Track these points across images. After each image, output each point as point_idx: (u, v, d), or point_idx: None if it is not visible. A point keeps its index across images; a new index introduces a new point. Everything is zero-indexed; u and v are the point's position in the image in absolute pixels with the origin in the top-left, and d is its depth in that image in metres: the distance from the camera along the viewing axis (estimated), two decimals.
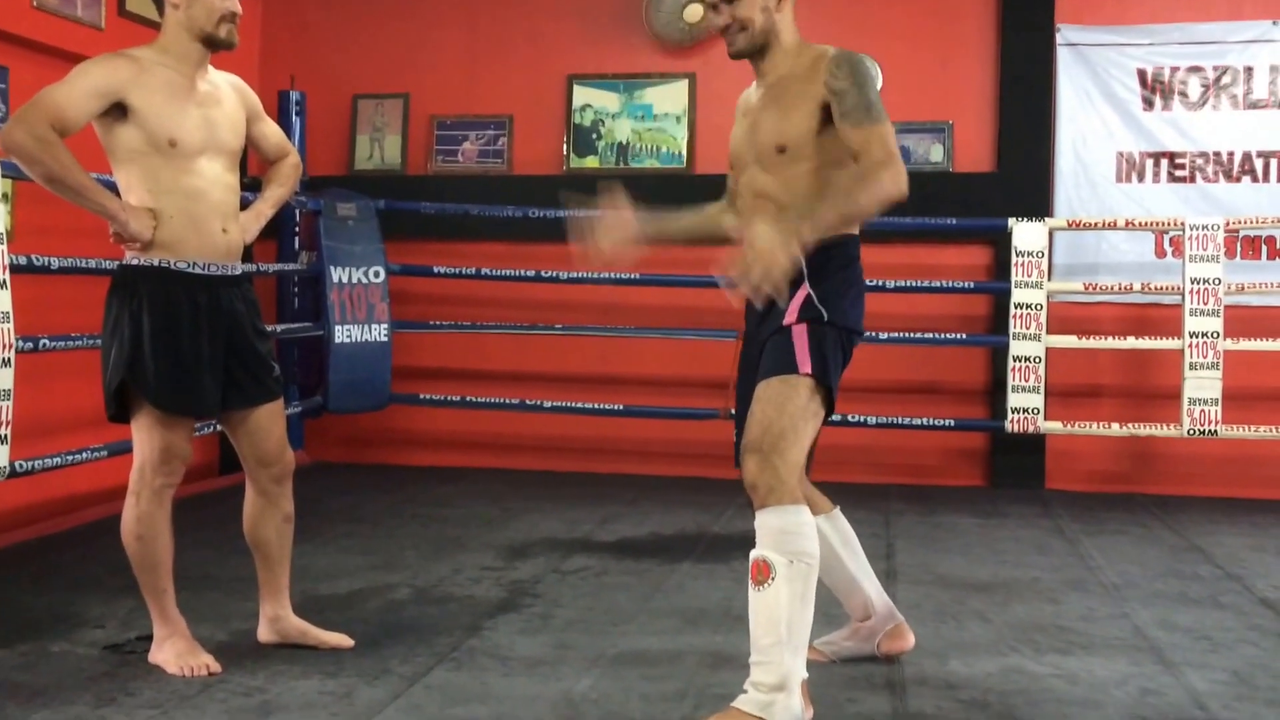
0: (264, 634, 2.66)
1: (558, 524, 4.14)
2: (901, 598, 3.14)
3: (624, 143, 5.43)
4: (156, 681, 2.41)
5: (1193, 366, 4.58)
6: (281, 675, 2.46)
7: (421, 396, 5.30)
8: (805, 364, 2.23)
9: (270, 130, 2.72)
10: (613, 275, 5.09)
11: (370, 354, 4.99)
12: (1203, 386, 4.57)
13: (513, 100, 5.50)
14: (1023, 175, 5.11)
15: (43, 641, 2.67)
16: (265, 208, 2.70)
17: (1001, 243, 4.93)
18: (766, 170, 2.34)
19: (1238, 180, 5.03)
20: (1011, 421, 4.72)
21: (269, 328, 3.28)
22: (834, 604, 2.69)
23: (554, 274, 5.12)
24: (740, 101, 2.53)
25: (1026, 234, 4.73)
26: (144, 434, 2.45)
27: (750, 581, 2.15)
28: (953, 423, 4.94)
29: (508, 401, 5.22)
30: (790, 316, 2.27)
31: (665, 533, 4.06)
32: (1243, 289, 4.70)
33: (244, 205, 2.66)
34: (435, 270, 5.26)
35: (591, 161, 5.46)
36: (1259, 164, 5.03)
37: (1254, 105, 5.03)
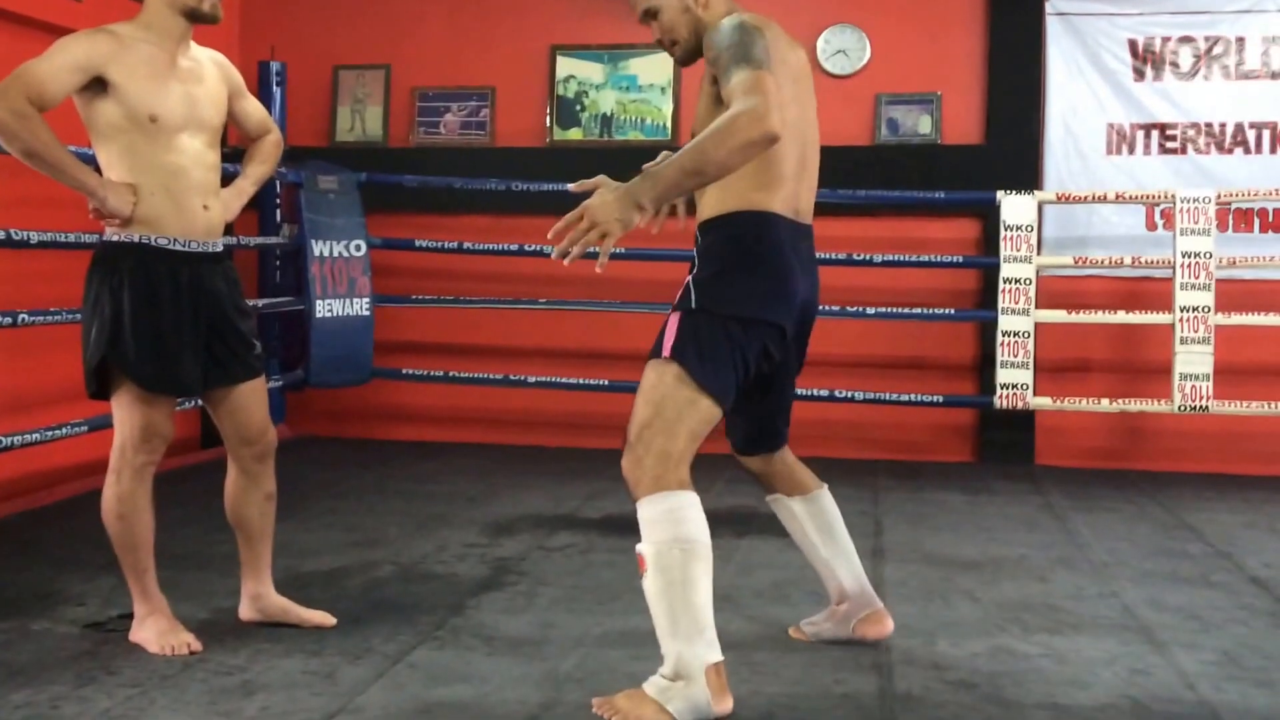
0: (245, 612, 2.67)
1: (543, 500, 4.15)
2: (889, 576, 3.17)
3: (608, 114, 5.41)
4: (137, 660, 2.42)
5: (1184, 341, 4.60)
6: (263, 654, 2.47)
7: (404, 371, 5.29)
8: (666, 348, 2.19)
9: (252, 107, 2.71)
10: (596, 250, 5.07)
11: (352, 328, 4.98)
12: (1194, 361, 4.58)
13: (495, 71, 5.47)
14: (1012, 147, 5.11)
15: (23, 619, 2.67)
16: (247, 185, 2.69)
17: (990, 216, 4.94)
18: None
19: (1230, 152, 5.05)
20: (1000, 397, 4.73)
21: (250, 302, 3.26)
22: (820, 583, 2.71)
23: (538, 248, 5.11)
24: None
25: (1015, 207, 4.73)
26: (124, 411, 2.45)
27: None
28: (941, 398, 4.96)
29: (492, 376, 5.22)
30: (675, 301, 2.26)
31: None
32: (1234, 263, 4.71)
33: (226, 181, 2.64)
34: (418, 244, 5.24)
35: (575, 134, 5.43)
36: (1251, 135, 5.04)
37: (1246, 76, 5.04)
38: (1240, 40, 5.02)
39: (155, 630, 2.47)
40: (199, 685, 2.29)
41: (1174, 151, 5.08)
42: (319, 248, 4.91)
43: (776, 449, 2.55)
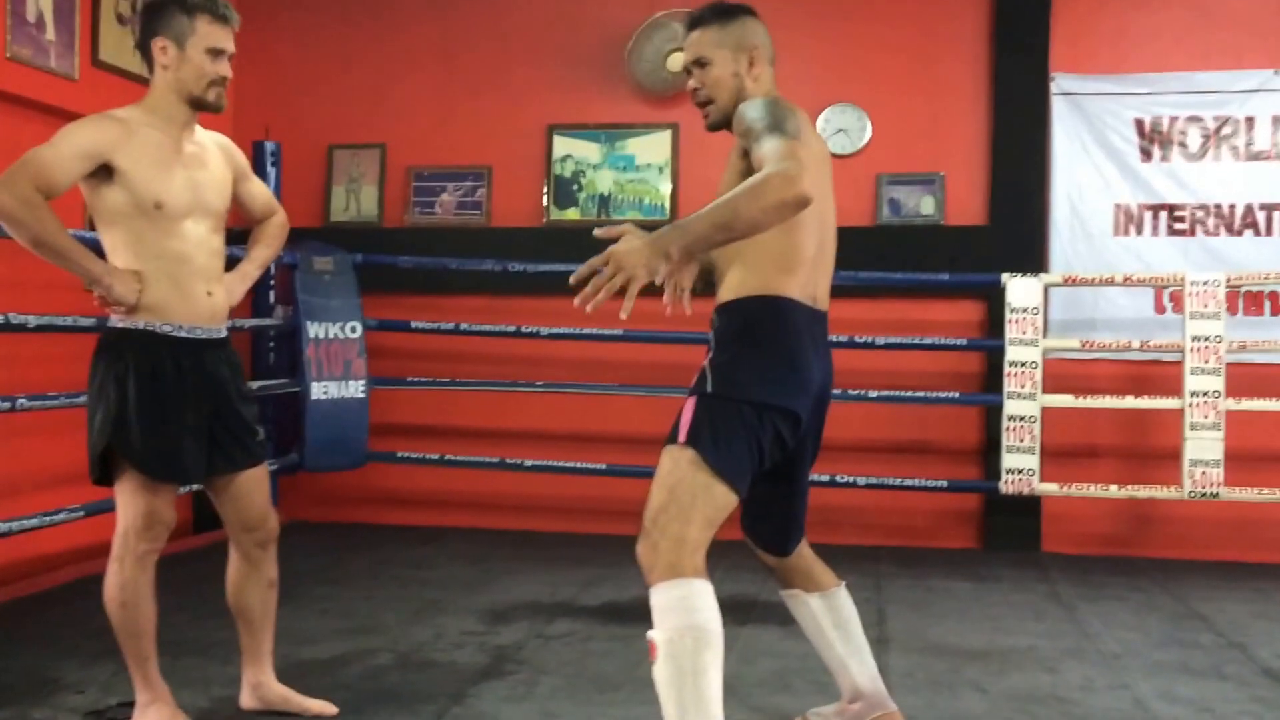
0: (246, 700, 2.81)
1: (540, 586, 4.30)
2: (894, 666, 3.29)
3: (605, 194, 5.65)
4: None
5: (1193, 426, 4.72)
6: None
7: (399, 454, 5.46)
8: (683, 434, 2.29)
9: (257, 189, 2.89)
10: (595, 331, 5.30)
11: (347, 411, 5.15)
12: (1204, 447, 4.70)
13: (491, 151, 5.71)
14: (1017, 228, 5.30)
15: (23, 707, 2.82)
16: (251, 269, 2.87)
17: (995, 298, 5.11)
18: None
19: (1239, 234, 5.22)
20: (1006, 482, 4.87)
21: None
22: (825, 671, 2.84)
23: (534, 329, 5.31)
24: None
25: (1021, 289, 4.90)
26: (128, 499, 2.59)
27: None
28: (945, 484, 5.11)
29: (487, 460, 5.38)
30: (692, 386, 2.38)
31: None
32: (1244, 346, 4.83)
33: (229, 265, 2.81)
34: (413, 325, 5.43)
35: (572, 213, 5.67)
36: (1261, 217, 5.22)
37: (1255, 156, 5.22)
38: (1250, 120, 5.23)
39: (158, 718, 2.62)
40: None
41: (1183, 233, 5.25)
42: (314, 329, 5.12)
43: (797, 544, 2.66)
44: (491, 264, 5.31)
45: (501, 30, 5.76)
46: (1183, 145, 5.29)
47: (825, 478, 5.02)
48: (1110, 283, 5.02)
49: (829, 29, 5.53)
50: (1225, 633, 3.81)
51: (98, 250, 2.62)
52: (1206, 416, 4.74)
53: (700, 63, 2.48)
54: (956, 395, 5.19)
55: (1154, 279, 4.99)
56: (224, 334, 2.75)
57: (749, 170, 2.26)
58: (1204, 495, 4.73)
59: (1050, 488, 4.90)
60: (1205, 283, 4.81)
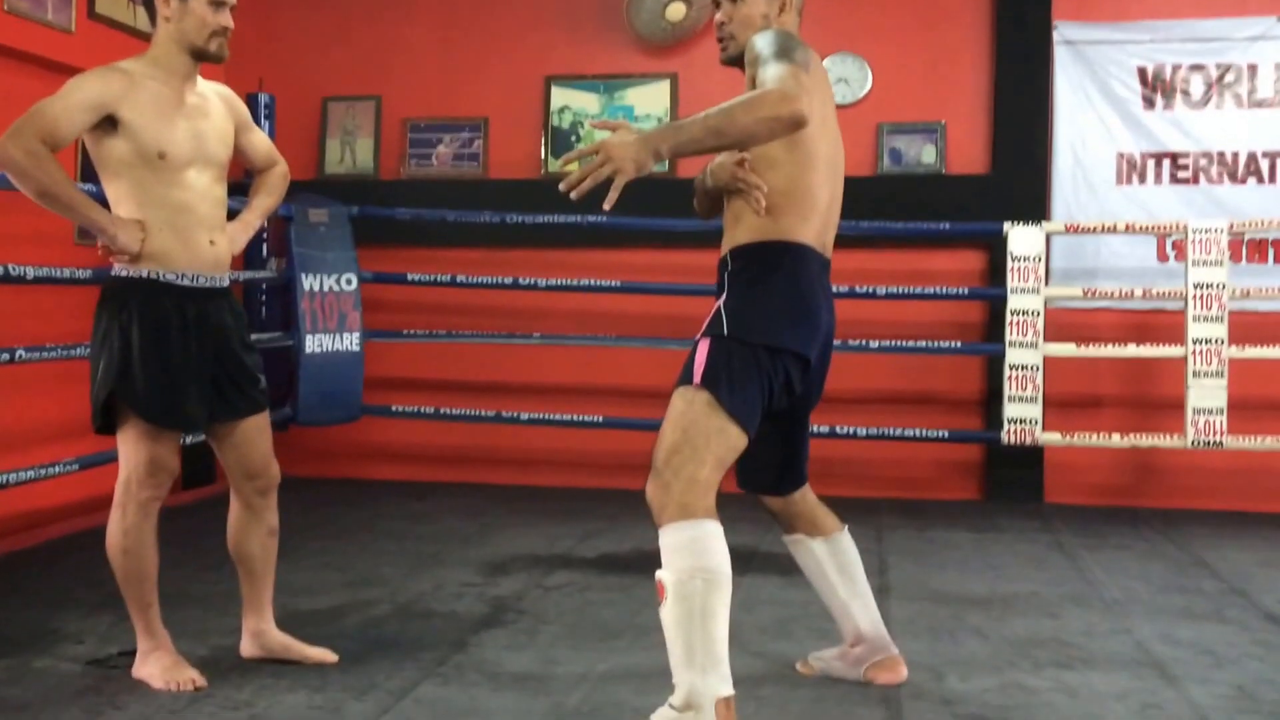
0: (247, 649, 2.83)
1: (538, 540, 4.31)
2: (895, 614, 3.30)
3: None
4: (142, 696, 2.57)
5: (1196, 375, 4.74)
6: (268, 689, 2.62)
7: (394, 408, 5.46)
8: (697, 375, 2.31)
9: (258, 140, 2.90)
10: (593, 282, 5.27)
11: (342, 364, 5.14)
12: (1207, 395, 4.72)
13: (488, 102, 5.67)
14: (1018, 177, 5.29)
15: (24, 657, 2.83)
16: (253, 218, 2.88)
17: (997, 247, 5.11)
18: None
19: (1243, 181, 5.22)
20: (1008, 433, 4.89)
21: None
22: (827, 618, 2.86)
23: (532, 281, 5.29)
24: None
25: (1022, 238, 4.90)
26: (131, 446, 2.61)
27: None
28: (947, 434, 5.12)
29: (484, 413, 5.38)
30: (703, 327, 2.39)
31: (649, 548, 4.17)
32: (1248, 294, 4.84)
33: (231, 215, 2.82)
34: (409, 278, 5.42)
35: (570, 165, 5.61)
36: (1264, 164, 5.21)
37: (1259, 104, 5.20)
38: (1253, 68, 5.21)
39: (160, 666, 2.63)
40: (206, 719, 2.45)
41: (1185, 181, 5.26)
42: (309, 282, 5.09)
43: (800, 486, 2.69)
44: (489, 216, 5.28)
45: None
46: (1185, 93, 5.28)
47: (826, 429, 5.03)
48: (1113, 231, 5.03)
49: None
50: (1228, 579, 3.83)
51: (101, 201, 2.65)
52: (1210, 364, 4.76)
53: None
54: (958, 345, 5.20)
55: (1156, 227, 5.00)
56: (227, 283, 2.76)
57: None
58: (1207, 444, 4.75)
59: (1053, 437, 4.92)
60: (1208, 230, 4.81)
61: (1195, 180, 5.26)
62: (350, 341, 5.18)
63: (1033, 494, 5.27)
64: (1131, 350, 4.97)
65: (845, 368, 5.29)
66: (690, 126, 2.12)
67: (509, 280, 5.33)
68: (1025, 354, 4.87)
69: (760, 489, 2.70)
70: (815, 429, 4.98)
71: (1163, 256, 5.27)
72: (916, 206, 5.22)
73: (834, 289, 2.55)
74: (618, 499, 5.12)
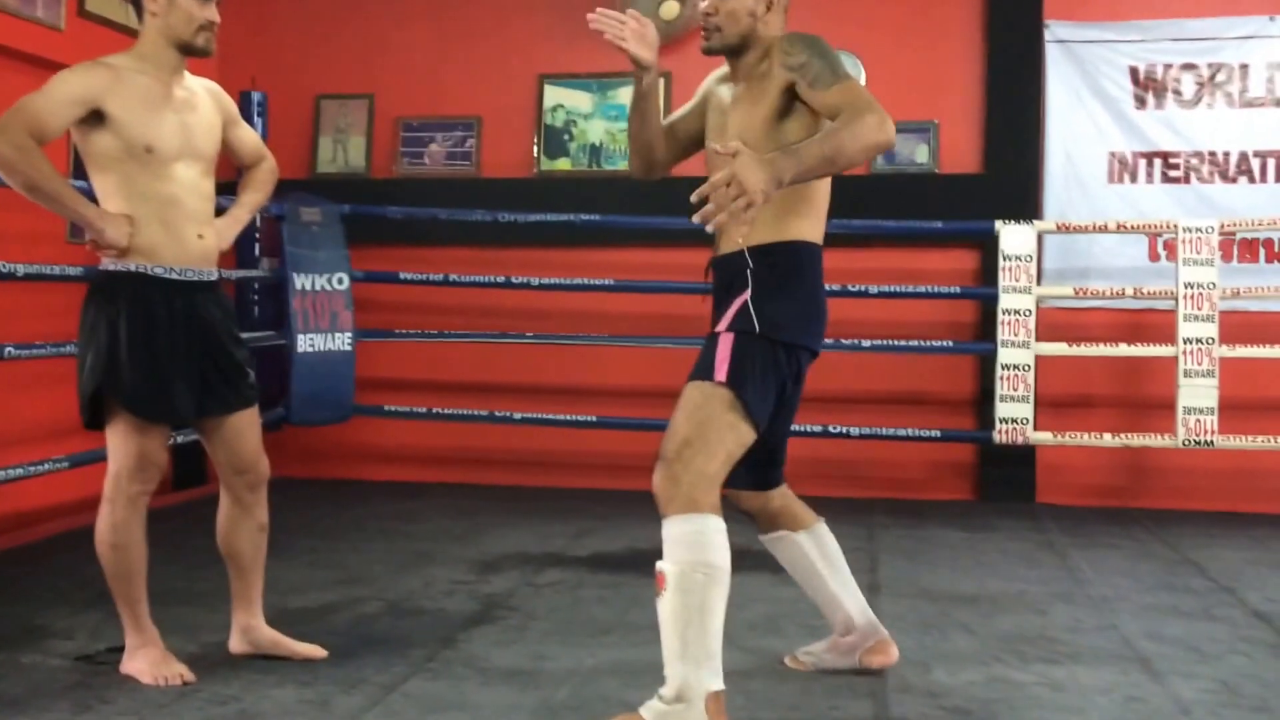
0: (236, 644, 2.84)
1: (529, 538, 4.33)
2: (885, 610, 3.30)
3: (597, 144, 5.63)
4: (131, 691, 2.59)
5: (1187, 374, 4.75)
6: (256, 684, 2.64)
7: (386, 408, 5.47)
8: (721, 373, 2.34)
9: (246, 135, 2.91)
10: (585, 281, 5.29)
11: (334, 364, 5.15)
12: (1198, 395, 4.73)
13: (481, 101, 5.68)
14: (1010, 176, 5.30)
15: (12, 653, 2.85)
16: (241, 213, 2.89)
17: (989, 246, 5.12)
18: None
19: (1234, 181, 5.23)
20: (1000, 432, 4.90)
21: None
22: (816, 614, 2.89)
23: (524, 280, 5.31)
24: (706, 89, 2.67)
25: (1014, 237, 4.92)
26: (119, 441, 2.62)
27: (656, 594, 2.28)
28: (939, 434, 5.13)
29: (476, 413, 5.39)
30: (724, 323, 2.42)
31: (641, 546, 4.25)
32: (1238, 293, 4.86)
33: (219, 211, 2.84)
34: (401, 277, 5.42)
35: (563, 164, 5.65)
36: (1255, 164, 5.23)
37: (1250, 104, 5.22)
38: (1244, 67, 5.22)
39: (148, 661, 2.64)
40: (194, 714, 2.46)
41: (1177, 180, 5.27)
42: (300, 281, 5.10)
43: (780, 481, 2.72)
44: (481, 215, 5.29)
45: None
46: (1177, 93, 5.29)
47: (819, 428, 5.04)
48: (1104, 230, 5.05)
49: None
50: (1217, 578, 3.85)
51: (89, 196, 2.66)
52: (1200, 364, 4.77)
53: None
54: (950, 344, 5.22)
55: (1147, 226, 5.01)
56: (215, 277, 2.78)
57: (783, 104, 2.38)
58: (1198, 443, 4.77)
59: (1044, 437, 4.93)
60: (1199, 230, 4.83)
61: (1186, 180, 5.27)
62: (342, 341, 5.19)
63: (1025, 494, 5.28)
64: (1123, 350, 4.99)
65: (838, 367, 5.32)
66: (806, 156, 2.17)
67: (501, 279, 5.34)
68: (1017, 353, 4.88)
69: (743, 485, 2.71)
70: (808, 428, 5.01)
71: (1154, 256, 5.28)
72: (909, 205, 5.23)
73: (827, 287, 2.60)
74: (611, 498, 5.14)
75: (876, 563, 4.01)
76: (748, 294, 2.42)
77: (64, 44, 4.59)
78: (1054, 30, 5.35)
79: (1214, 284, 4.79)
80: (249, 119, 5.36)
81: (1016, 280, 4.91)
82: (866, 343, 5.08)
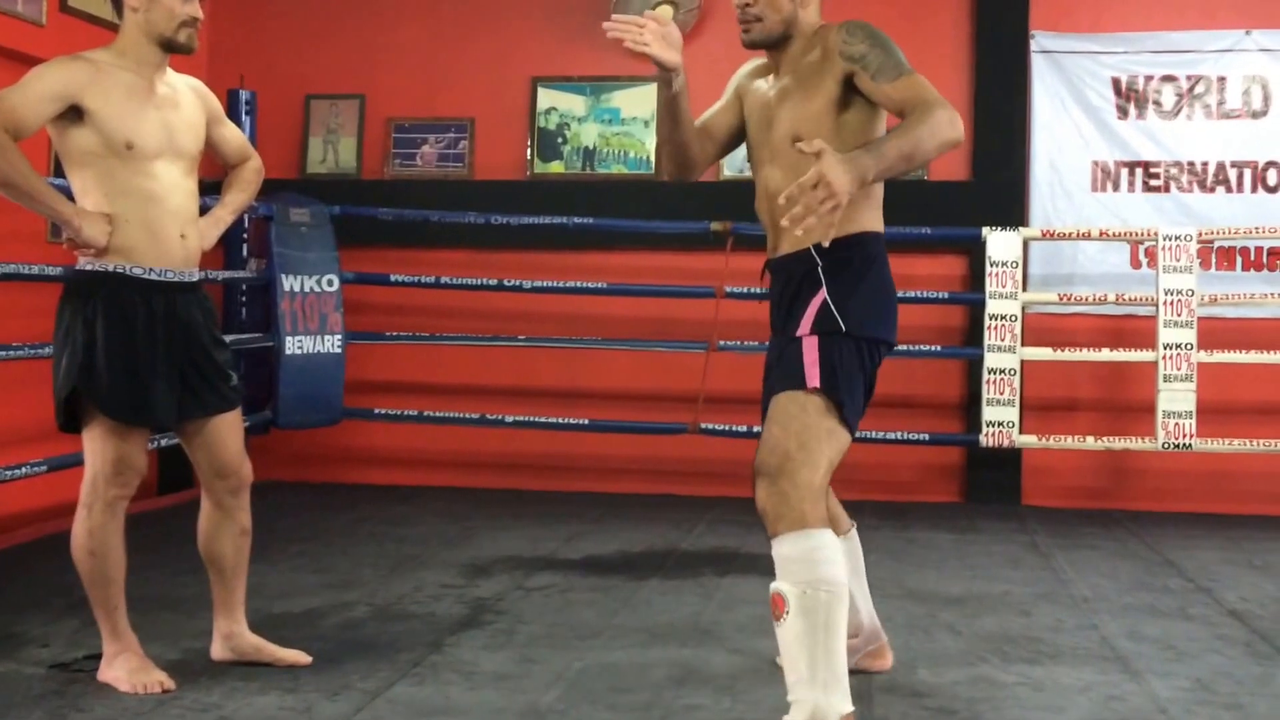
0: (218, 651, 2.72)
1: (521, 542, 4.22)
2: None
3: (590, 147, 5.54)
4: (108, 699, 2.47)
5: (1167, 379, 4.73)
6: (238, 691, 2.52)
7: (376, 411, 5.36)
8: (814, 378, 2.21)
9: (231, 134, 2.80)
10: (578, 284, 5.20)
11: (322, 366, 5.03)
12: (1177, 399, 4.72)
13: (474, 103, 5.59)
14: (997, 184, 5.26)
15: None
16: (225, 213, 2.77)
17: (976, 252, 5.08)
18: (780, 166, 2.33)
19: (1212, 190, 5.22)
20: (986, 435, 4.85)
21: None
22: None
23: (517, 283, 5.21)
24: (738, 83, 2.53)
25: (1001, 243, 4.88)
26: (96, 444, 2.51)
27: (772, 617, 2.15)
28: (927, 437, 5.07)
29: (468, 416, 5.28)
30: (804, 326, 2.26)
31: (632, 550, 4.16)
32: (1216, 300, 4.87)
33: (203, 211, 2.73)
34: (392, 279, 5.32)
35: (556, 166, 5.56)
36: (1232, 174, 5.22)
37: (1227, 115, 5.21)
38: (1222, 80, 5.21)
39: (126, 669, 2.52)
40: None
41: (1157, 189, 5.25)
42: (289, 283, 4.98)
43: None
44: (473, 217, 5.20)
45: None
46: (1158, 104, 5.27)
47: None
48: (1087, 237, 5.05)
49: None
50: (1194, 578, 3.84)
51: (67, 194, 2.56)
52: (1179, 369, 4.76)
53: None
54: (938, 348, 5.16)
55: (1129, 234, 5.03)
56: (196, 278, 2.66)
57: (841, 94, 2.27)
58: (1177, 446, 4.76)
59: (1029, 440, 4.91)
60: (1178, 238, 4.82)
61: (1166, 189, 5.26)
62: (331, 343, 5.07)
63: (1011, 496, 5.23)
64: (1105, 355, 4.97)
65: None
66: (886, 154, 2.09)
67: (493, 282, 5.24)
68: (1003, 358, 4.84)
69: None
70: None
71: (1135, 263, 5.26)
72: (898, 212, 5.09)
73: None
74: (603, 502, 5.06)
75: (865, 563, 3.92)
76: (824, 292, 2.27)
77: (45, 39, 4.47)
78: (1040, 41, 5.31)
79: (1192, 291, 4.78)
80: (237, 118, 5.25)
81: (1003, 286, 4.87)
82: None
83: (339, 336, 5.10)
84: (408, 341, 5.40)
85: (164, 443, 3.90)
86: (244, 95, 5.35)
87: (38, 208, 2.46)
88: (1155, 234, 4.85)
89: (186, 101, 2.64)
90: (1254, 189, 5.20)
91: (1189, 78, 5.22)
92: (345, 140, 5.64)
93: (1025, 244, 4.99)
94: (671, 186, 5.37)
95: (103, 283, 2.51)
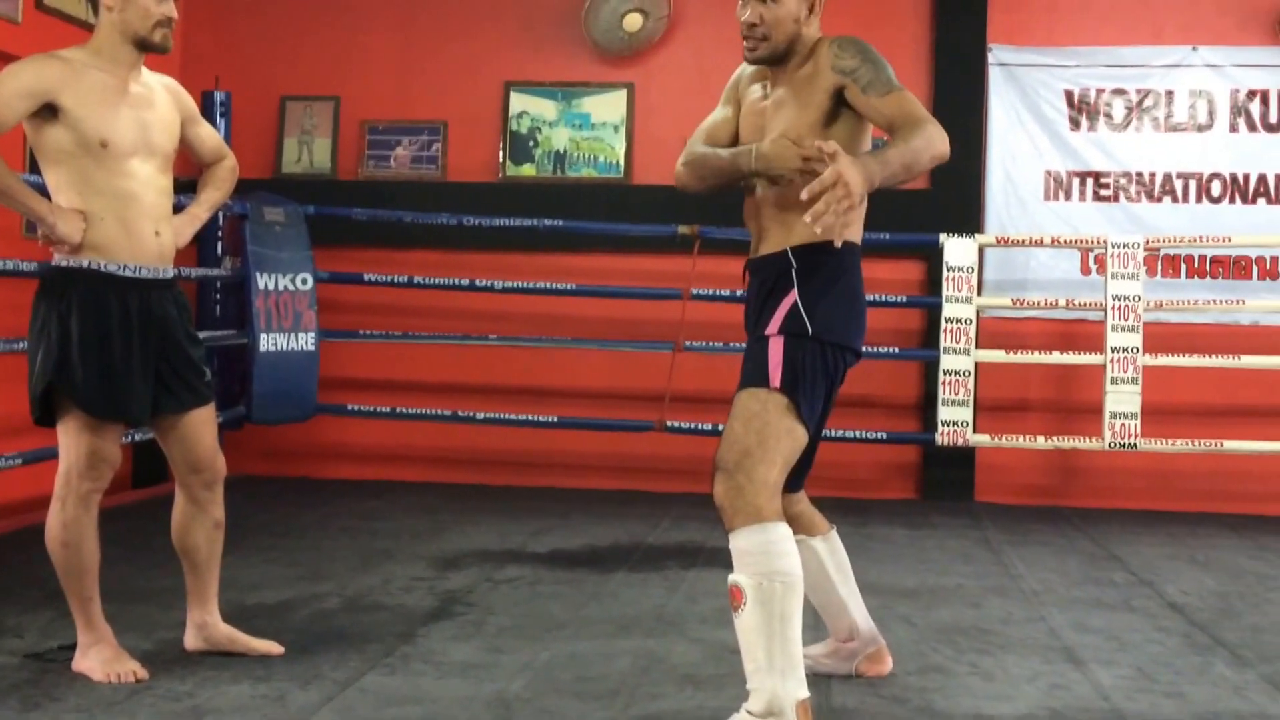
0: (191, 641, 2.70)
1: (490, 536, 4.22)
2: None
3: (561, 151, 5.54)
4: (82, 688, 2.44)
5: (1114, 381, 4.81)
6: (211, 681, 2.51)
7: (349, 407, 5.33)
8: (776, 378, 2.23)
9: (206, 133, 2.77)
10: (548, 285, 5.20)
11: (296, 363, 4.99)
12: (1123, 400, 4.80)
13: (448, 106, 5.57)
14: (955, 192, 5.31)
15: None
16: (199, 211, 2.75)
17: (934, 258, 5.12)
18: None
19: (1159, 200, 5.30)
20: (942, 435, 4.90)
21: None
22: (817, 616, 2.80)
23: (488, 283, 5.20)
24: (738, 85, 2.52)
25: (957, 249, 4.94)
26: (71, 438, 2.49)
27: (731, 609, 2.17)
28: (885, 435, 5.11)
29: (439, 413, 5.27)
30: (773, 325, 2.28)
31: (599, 544, 4.16)
32: (1161, 305, 4.96)
33: (177, 209, 2.71)
34: (366, 278, 5.30)
35: (528, 170, 5.56)
36: (1179, 185, 5.30)
37: (1174, 128, 5.30)
38: (1169, 93, 5.29)
39: (100, 659, 2.50)
40: (147, 711, 2.33)
41: (1107, 199, 5.33)
42: (263, 281, 4.94)
43: (801, 486, 2.61)
44: (446, 218, 5.19)
45: None
46: (1108, 116, 5.35)
47: None
48: (1040, 244, 5.12)
49: None
50: (1137, 572, 3.90)
51: (42, 191, 2.52)
52: (1125, 371, 4.83)
53: None
54: (896, 350, 5.20)
55: (1079, 241, 5.10)
56: (171, 274, 2.64)
57: (831, 107, 2.29)
58: (1123, 446, 4.83)
59: (983, 439, 4.97)
60: (1125, 245, 4.89)
61: (1115, 198, 5.33)
62: (305, 341, 5.04)
63: (964, 493, 5.29)
64: (1056, 358, 5.04)
65: None
66: (890, 162, 2.11)
67: (465, 282, 5.23)
68: (959, 360, 4.90)
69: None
70: None
71: (1085, 270, 5.33)
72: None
73: None
74: (571, 497, 5.06)
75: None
76: (795, 294, 2.29)
77: (21, 36, 4.41)
78: (996, 54, 5.37)
79: (1139, 297, 4.85)
80: (211, 118, 5.17)
81: (959, 291, 4.93)
82: None
83: (313, 334, 5.07)
84: (381, 340, 5.38)
85: (138, 437, 3.86)
86: (219, 96, 5.29)
87: (13, 204, 2.44)
88: (1104, 242, 4.92)
89: (161, 100, 2.61)
90: (1199, 199, 5.28)
91: (1138, 91, 5.30)
92: (320, 141, 5.60)
93: (981, 250, 5.04)
94: (639, 189, 5.39)
95: (78, 278, 2.48)
